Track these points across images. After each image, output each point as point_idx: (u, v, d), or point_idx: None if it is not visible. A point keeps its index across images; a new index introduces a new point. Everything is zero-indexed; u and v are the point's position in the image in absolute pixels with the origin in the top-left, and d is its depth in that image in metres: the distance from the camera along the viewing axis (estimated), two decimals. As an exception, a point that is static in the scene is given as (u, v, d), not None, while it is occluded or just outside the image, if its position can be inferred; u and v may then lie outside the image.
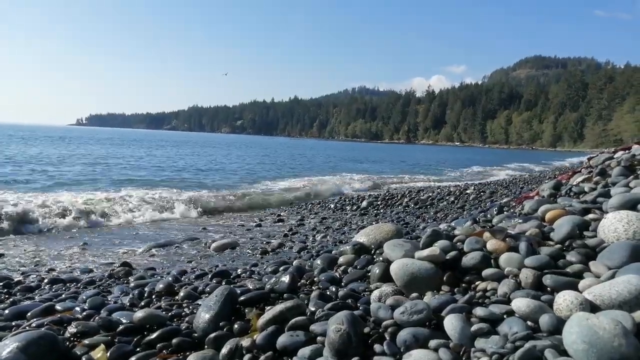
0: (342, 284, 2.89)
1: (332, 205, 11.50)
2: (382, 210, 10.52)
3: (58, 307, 2.90)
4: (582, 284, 2.14)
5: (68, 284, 4.35)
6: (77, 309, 2.83)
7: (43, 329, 2.43)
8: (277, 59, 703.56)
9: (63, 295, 3.46)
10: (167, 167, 23.82)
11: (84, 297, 3.22)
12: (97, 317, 2.57)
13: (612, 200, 3.05)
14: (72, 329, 2.41)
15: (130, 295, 3.20)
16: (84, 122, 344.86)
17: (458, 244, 2.83)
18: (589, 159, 5.34)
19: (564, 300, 1.92)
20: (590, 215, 2.99)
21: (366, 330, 2.12)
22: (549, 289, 2.21)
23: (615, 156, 4.79)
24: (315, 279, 3.01)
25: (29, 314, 2.80)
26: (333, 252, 3.63)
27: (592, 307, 1.89)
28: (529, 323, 1.93)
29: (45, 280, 4.52)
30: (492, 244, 2.67)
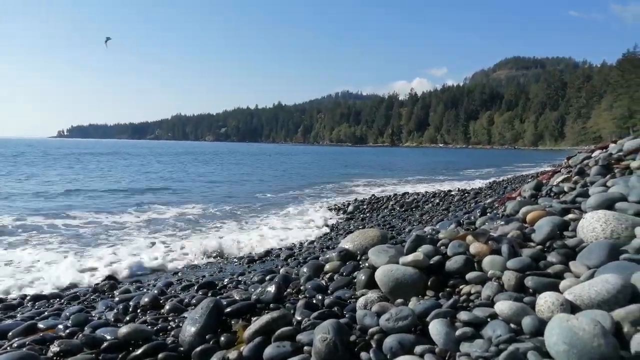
0: (329, 291, 2.90)
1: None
2: (368, 214, 10.55)
3: (40, 325, 2.85)
4: (562, 284, 2.17)
5: (51, 300, 4.28)
6: (60, 326, 2.78)
7: (24, 349, 2.39)
8: (259, 66, 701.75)
9: (46, 313, 3.40)
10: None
11: (67, 313, 3.17)
12: (80, 335, 2.54)
13: (590, 200, 3.11)
14: (54, 348, 2.37)
15: (115, 310, 3.17)
16: (65, 133, 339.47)
17: (442, 248, 2.86)
18: (568, 159, 5.43)
19: (545, 301, 1.96)
20: (570, 215, 3.04)
21: (352, 338, 2.13)
22: (531, 290, 2.25)
23: (593, 155, 4.88)
24: (301, 287, 3.01)
25: (10, 333, 2.74)
26: (320, 258, 3.64)
27: (573, 308, 1.93)
28: (512, 325, 1.96)
29: (28, 297, 4.45)
30: (475, 247, 2.70)
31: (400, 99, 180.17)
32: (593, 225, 2.61)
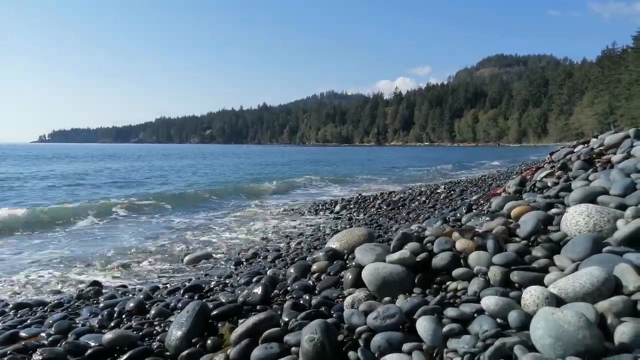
0: (316, 291, 2.89)
1: (306, 211, 11.49)
2: (355, 214, 10.56)
3: (23, 333, 2.80)
4: (547, 278, 2.19)
5: (35, 308, 4.20)
6: (43, 334, 2.73)
7: (6, 358, 2.34)
8: (243, 67, 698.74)
9: (28, 321, 3.33)
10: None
11: (51, 321, 3.12)
12: (63, 342, 2.49)
13: (573, 194, 3.15)
14: (37, 357, 2.33)
15: (100, 317, 3.12)
16: (46, 138, 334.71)
17: (428, 245, 2.86)
18: (551, 154, 5.50)
19: (530, 296, 1.97)
20: (554, 210, 3.07)
21: (340, 337, 2.12)
22: (516, 285, 2.26)
23: (575, 150, 4.94)
24: (288, 288, 2.99)
25: (-9, 343, 2.69)
26: (307, 258, 3.62)
27: (558, 301, 1.94)
28: (499, 320, 1.97)
29: (10, 305, 4.35)
30: (461, 243, 2.71)
31: (385, 98, 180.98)
32: (576, 219, 2.64)
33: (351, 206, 11.46)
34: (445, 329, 1.97)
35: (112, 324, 2.90)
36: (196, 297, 3.30)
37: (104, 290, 4.88)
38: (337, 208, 11.31)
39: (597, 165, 4.00)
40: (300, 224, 9.63)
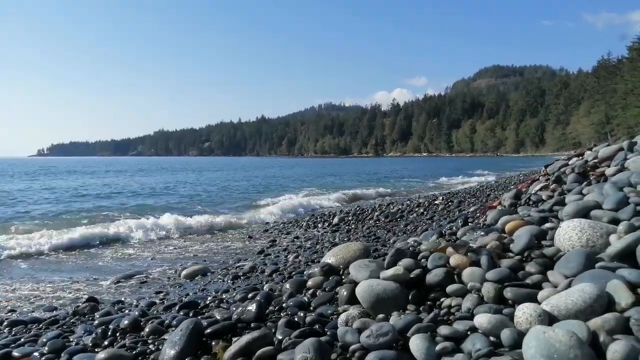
0: (311, 307, 2.88)
1: (304, 224, 11.46)
2: (353, 226, 10.54)
3: (15, 353, 2.79)
4: (540, 294, 2.19)
5: (29, 326, 4.17)
6: (36, 353, 2.72)
7: (-2, 379, 2.33)
8: (241, 79, 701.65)
9: (22, 339, 3.31)
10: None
11: (44, 339, 3.10)
12: (56, 362, 2.48)
13: (567, 208, 3.15)
14: (29, 378, 2.31)
15: (94, 335, 3.10)
16: (45, 152, 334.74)
17: (422, 260, 2.86)
18: (545, 167, 5.51)
19: (523, 313, 1.97)
20: (547, 225, 3.07)
21: (333, 356, 2.11)
22: (510, 301, 2.26)
23: (570, 163, 4.96)
24: (283, 304, 2.98)
25: (-17, 363, 2.67)
26: (304, 272, 3.62)
27: (551, 318, 1.94)
28: (492, 338, 1.96)
29: (5, 323, 4.33)
30: (455, 259, 2.71)
31: (382, 109, 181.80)
32: (569, 234, 2.64)
33: (349, 218, 11.44)
34: (438, 347, 1.97)
35: (106, 343, 2.88)
36: (191, 314, 3.28)
37: (100, 306, 4.85)
38: (336, 220, 11.29)
39: (591, 179, 4.02)
40: (298, 237, 9.61)
